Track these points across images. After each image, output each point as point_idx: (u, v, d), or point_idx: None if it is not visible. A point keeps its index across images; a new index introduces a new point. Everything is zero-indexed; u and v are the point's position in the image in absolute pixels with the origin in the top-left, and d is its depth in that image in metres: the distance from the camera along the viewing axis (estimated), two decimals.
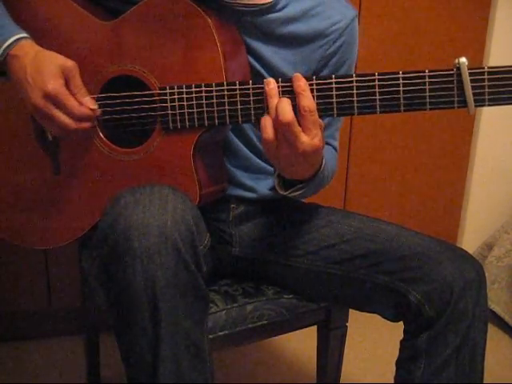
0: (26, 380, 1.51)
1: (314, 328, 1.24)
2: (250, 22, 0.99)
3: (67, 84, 0.91)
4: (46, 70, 0.89)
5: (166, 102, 0.93)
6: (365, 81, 0.85)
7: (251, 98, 0.90)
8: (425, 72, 0.83)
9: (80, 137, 0.96)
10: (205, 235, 0.93)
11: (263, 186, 1.10)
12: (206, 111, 0.92)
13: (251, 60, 1.01)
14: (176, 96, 0.93)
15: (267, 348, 1.69)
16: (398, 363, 1.00)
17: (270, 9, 0.99)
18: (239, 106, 0.90)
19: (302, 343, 1.66)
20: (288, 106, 0.82)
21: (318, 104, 0.86)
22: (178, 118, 0.93)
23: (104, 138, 0.99)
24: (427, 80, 0.83)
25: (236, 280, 1.14)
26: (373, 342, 1.71)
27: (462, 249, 1.00)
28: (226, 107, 0.91)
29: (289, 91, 0.85)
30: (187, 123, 0.93)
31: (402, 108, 0.85)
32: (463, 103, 0.82)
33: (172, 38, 0.93)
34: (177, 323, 0.81)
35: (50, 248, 1.08)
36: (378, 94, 0.85)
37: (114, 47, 0.96)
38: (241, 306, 1.07)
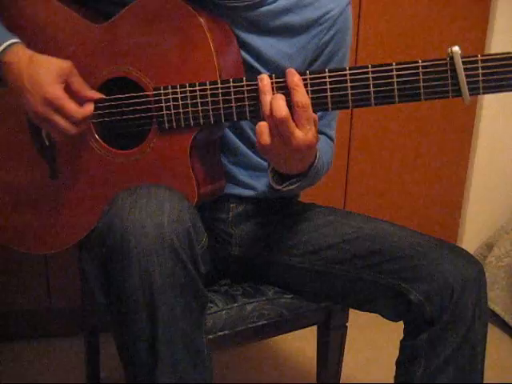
0: (26, 380, 1.51)
1: (314, 328, 1.24)
2: (243, 17, 0.99)
3: (68, 85, 0.91)
4: (43, 75, 0.89)
5: (161, 103, 0.93)
6: (358, 73, 0.85)
7: (245, 95, 0.90)
8: (418, 62, 0.83)
9: (77, 140, 0.97)
10: (202, 235, 0.93)
11: (262, 184, 1.10)
12: (201, 110, 0.92)
13: (246, 56, 1.01)
14: (170, 96, 0.93)
15: (267, 348, 1.69)
16: (398, 363, 1.00)
17: (262, 2, 0.99)
18: (234, 104, 0.90)
19: (302, 343, 1.66)
20: (282, 102, 0.82)
21: (312, 99, 0.86)
22: (174, 117, 0.93)
23: (100, 141, 0.99)
24: (421, 70, 0.83)
25: (236, 280, 1.14)
26: (373, 342, 1.71)
27: (462, 248, 1.00)
28: (221, 105, 0.91)
29: (282, 87, 0.85)
30: (183, 123, 0.93)
31: (397, 99, 0.85)
32: (457, 92, 0.82)
33: (165, 38, 0.93)
34: (174, 323, 0.81)
35: (50, 252, 1.08)
36: (372, 87, 0.84)
37: (107, 49, 0.96)
38: (241, 305, 1.07)
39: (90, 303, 1.28)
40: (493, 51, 1.80)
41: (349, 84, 0.85)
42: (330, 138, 1.15)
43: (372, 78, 0.84)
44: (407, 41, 1.74)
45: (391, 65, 0.84)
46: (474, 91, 0.82)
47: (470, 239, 2.00)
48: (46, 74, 0.89)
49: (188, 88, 0.92)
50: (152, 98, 0.94)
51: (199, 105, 0.92)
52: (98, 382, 1.41)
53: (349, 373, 1.50)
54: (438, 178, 1.92)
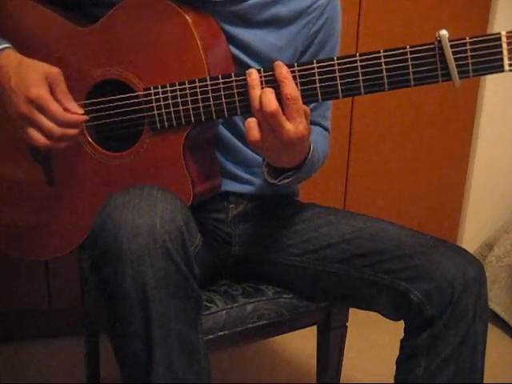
0: (26, 380, 1.51)
1: (314, 328, 1.23)
2: (231, 11, 0.99)
3: (52, 91, 0.90)
4: (30, 77, 0.88)
5: (152, 103, 0.93)
6: (346, 62, 0.85)
7: (235, 91, 0.90)
8: (406, 48, 0.83)
9: (69, 146, 0.96)
10: (196, 235, 0.93)
11: (260, 180, 1.10)
12: (192, 108, 0.92)
13: (236, 50, 1.00)
14: (161, 96, 0.93)
15: (267, 348, 1.68)
16: (399, 362, 1.00)
17: None
18: (224, 100, 0.90)
19: (301, 343, 1.66)
20: (271, 96, 0.82)
21: (301, 91, 0.86)
22: (165, 117, 0.93)
23: (94, 144, 0.99)
24: (409, 56, 0.83)
25: (236, 280, 1.14)
26: (373, 342, 1.71)
27: (462, 248, 1.00)
28: (211, 102, 0.91)
29: (272, 80, 0.85)
30: (174, 122, 0.93)
31: (387, 86, 0.84)
32: (447, 76, 0.82)
33: (152, 38, 0.93)
34: (168, 324, 0.81)
35: (49, 258, 1.08)
36: (361, 75, 0.84)
37: (96, 52, 0.96)
38: (241, 305, 1.07)
39: (89, 303, 1.28)
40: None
41: (337, 74, 0.85)
42: (326, 129, 1.15)
43: (360, 66, 0.84)
44: (407, 40, 1.72)
45: (379, 52, 0.84)
46: (464, 74, 0.81)
47: (470, 239, 2.00)
48: (34, 75, 0.88)
49: (178, 87, 0.92)
50: (143, 99, 0.94)
51: (190, 103, 0.92)
52: (98, 382, 1.41)
53: (349, 373, 1.50)
54: (438, 178, 1.92)
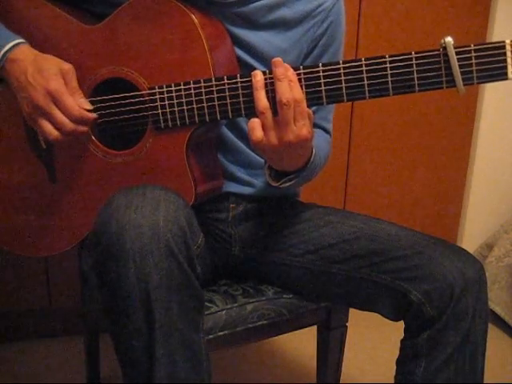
0: (26, 380, 1.51)
1: (314, 328, 1.23)
2: (236, 13, 0.99)
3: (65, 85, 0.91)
4: (47, 70, 0.89)
5: (156, 102, 0.94)
6: (352, 67, 0.85)
7: (240, 92, 0.90)
8: (411, 54, 0.83)
9: (74, 142, 0.97)
10: (198, 235, 0.93)
11: (261, 181, 1.10)
12: (196, 108, 0.92)
13: (241, 52, 1.01)
14: (165, 95, 0.93)
15: (267, 348, 1.68)
16: (399, 363, 1.00)
17: None
18: (228, 101, 0.91)
19: (302, 343, 1.66)
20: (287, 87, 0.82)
21: (306, 93, 0.86)
22: (169, 116, 0.94)
23: (97, 142, 0.99)
24: (414, 62, 0.83)
25: (236, 280, 1.14)
26: (373, 342, 1.71)
27: (462, 248, 1.00)
28: (216, 102, 0.91)
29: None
30: (178, 121, 0.93)
31: (391, 91, 0.85)
32: (451, 83, 0.82)
33: (158, 37, 0.93)
34: (171, 324, 0.81)
35: (50, 255, 1.08)
36: (366, 80, 0.85)
37: (101, 51, 0.96)
38: (241, 305, 1.07)
39: (89, 303, 1.28)
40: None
41: (343, 78, 0.85)
42: (327, 132, 1.15)
43: (366, 70, 0.84)
44: (407, 40, 1.74)
45: (385, 57, 0.84)
46: (468, 81, 0.82)
47: (470, 239, 2.00)
48: (51, 69, 0.90)
49: (183, 86, 0.92)
50: (147, 98, 0.94)
51: (194, 103, 0.92)
52: (98, 382, 1.41)
53: (349, 373, 1.50)
54: (438, 178, 1.92)
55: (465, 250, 0.99)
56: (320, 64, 0.86)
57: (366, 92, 0.85)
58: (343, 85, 0.85)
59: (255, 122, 0.84)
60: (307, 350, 1.62)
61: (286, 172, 0.93)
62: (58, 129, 0.91)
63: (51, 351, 1.63)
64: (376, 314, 1.04)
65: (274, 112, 0.84)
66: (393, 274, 0.97)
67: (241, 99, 0.90)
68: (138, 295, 0.79)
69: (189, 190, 0.95)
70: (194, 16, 0.91)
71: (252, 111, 0.89)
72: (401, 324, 1.00)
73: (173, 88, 0.92)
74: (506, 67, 0.80)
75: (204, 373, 0.86)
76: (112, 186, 0.97)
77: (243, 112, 0.91)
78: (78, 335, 1.59)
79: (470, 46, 0.81)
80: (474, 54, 0.81)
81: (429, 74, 0.83)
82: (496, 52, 0.80)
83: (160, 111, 0.94)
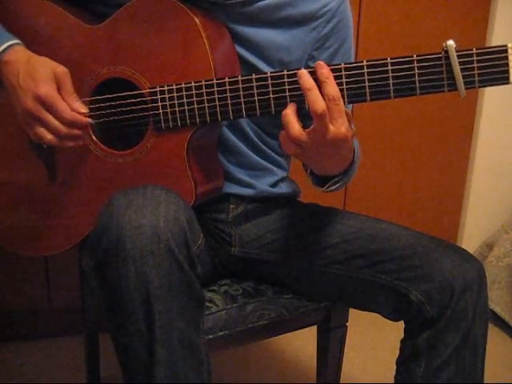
0: (26, 380, 1.51)
1: (314, 328, 1.23)
2: (240, 13, 0.99)
3: (58, 90, 0.90)
4: (39, 74, 0.88)
5: (157, 102, 0.94)
6: (353, 68, 0.84)
7: (241, 93, 0.90)
8: (413, 57, 0.83)
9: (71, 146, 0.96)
10: (199, 235, 0.93)
11: (261, 183, 1.10)
12: (197, 109, 0.92)
13: (244, 51, 1.00)
14: (166, 95, 0.93)
15: (267, 348, 1.68)
16: (399, 363, 1.00)
17: None
18: (229, 102, 0.91)
19: (302, 343, 1.66)
20: (320, 96, 0.79)
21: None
22: (170, 117, 0.93)
23: (98, 142, 0.99)
24: (416, 65, 0.83)
25: (236, 280, 1.14)
26: (373, 342, 1.71)
27: (462, 248, 1.00)
28: (217, 103, 0.91)
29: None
30: (179, 122, 0.93)
31: (392, 94, 0.84)
32: (453, 86, 0.82)
33: (160, 37, 0.93)
34: (171, 324, 0.81)
35: (50, 255, 1.08)
36: (367, 82, 0.84)
37: (103, 50, 0.96)
38: (241, 305, 1.07)
39: (89, 303, 1.28)
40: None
41: (344, 80, 0.85)
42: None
43: (367, 73, 0.84)
44: (407, 41, 1.74)
45: (386, 59, 0.83)
46: (470, 85, 0.82)
47: (470, 239, 2.00)
48: (43, 73, 0.88)
49: (184, 86, 0.92)
50: (148, 98, 0.94)
51: (195, 103, 0.92)
52: (98, 382, 1.41)
53: (349, 373, 1.50)
54: (438, 178, 1.92)
55: (465, 250, 0.99)
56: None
57: (367, 94, 0.85)
58: (344, 86, 0.85)
59: (284, 136, 0.81)
60: (307, 350, 1.62)
61: (328, 176, 0.92)
62: (52, 133, 0.90)
63: (51, 351, 1.63)
64: (376, 314, 1.04)
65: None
66: (393, 274, 0.97)
67: (242, 100, 0.90)
68: (138, 295, 0.79)
69: (189, 191, 0.95)
70: (195, 16, 0.91)
71: (253, 112, 0.89)
72: (401, 324, 1.00)
73: (174, 87, 0.92)
74: (507, 71, 0.80)
75: (204, 373, 0.86)
76: (112, 186, 0.97)
77: (244, 113, 0.91)
78: (78, 335, 1.59)
79: (471, 50, 0.81)
80: (475, 58, 0.80)
81: (430, 77, 0.83)
82: (498, 56, 0.80)
83: (161, 111, 0.94)
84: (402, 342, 1.00)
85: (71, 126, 0.90)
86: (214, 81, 0.90)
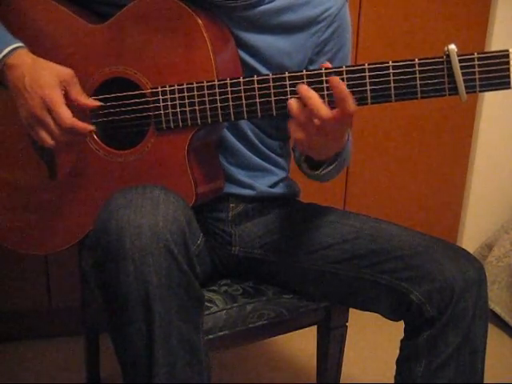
0: (26, 380, 1.51)
1: (314, 328, 1.24)
2: (242, 16, 0.99)
3: (67, 92, 0.91)
4: (44, 78, 0.89)
5: (159, 102, 0.94)
6: (355, 71, 0.85)
7: (242, 94, 0.90)
8: (414, 60, 0.83)
9: (73, 147, 0.97)
10: (198, 235, 0.93)
11: (261, 183, 1.10)
12: (199, 110, 0.92)
13: (245, 55, 1.01)
14: (168, 96, 0.93)
15: (267, 348, 1.68)
16: (399, 362, 1.00)
17: (260, 1, 0.99)
18: (231, 103, 0.91)
19: (302, 343, 1.66)
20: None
21: None
22: (171, 117, 0.94)
23: (99, 141, 0.99)
24: (417, 68, 0.83)
25: (236, 280, 1.14)
26: (373, 342, 1.71)
27: (462, 248, 1.00)
28: (218, 104, 0.91)
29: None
30: (180, 122, 0.94)
31: (393, 98, 0.85)
32: (454, 90, 0.82)
33: (163, 38, 0.93)
34: (170, 323, 0.81)
35: (49, 253, 1.08)
36: (368, 85, 0.85)
37: (106, 50, 0.97)
38: (241, 305, 1.07)
39: (89, 303, 1.29)
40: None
41: (345, 82, 0.85)
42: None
43: (369, 76, 0.84)
44: (407, 41, 1.74)
45: (388, 63, 0.84)
46: (471, 89, 0.82)
47: (470, 239, 2.00)
48: (48, 77, 0.90)
49: (185, 87, 0.92)
50: (150, 98, 0.94)
51: (196, 105, 0.92)
52: (98, 381, 1.41)
53: (349, 373, 1.50)
54: (438, 178, 1.92)
55: (465, 250, 0.99)
56: (323, 68, 0.86)
57: (369, 98, 0.85)
58: None
59: (293, 123, 0.82)
60: (307, 350, 1.61)
61: (322, 163, 0.93)
62: (52, 138, 0.91)
63: (51, 351, 1.63)
64: (376, 314, 1.04)
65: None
66: (393, 274, 0.97)
67: (243, 101, 0.90)
68: (137, 295, 0.79)
69: (189, 191, 0.95)
70: (198, 17, 0.91)
71: (254, 114, 0.90)
72: (401, 324, 1.00)
73: (176, 88, 0.92)
74: (509, 76, 0.80)
75: (204, 373, 0.86)
76: (113, 186, 0.97)
77: (245, 114, 0.91)
78: (78, 335, 1.59)
79: (473, 54, 0.81)
80: (477, 63, 0.81)
81: (431, 81, 0.83)
82: (499, 61, 0.80)
83: (162, 112, 0.94)
84: (402, 341, 1.00)
85: (70, 133, 0.91)
86: (216, 82, 0.90)
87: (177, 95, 0.93)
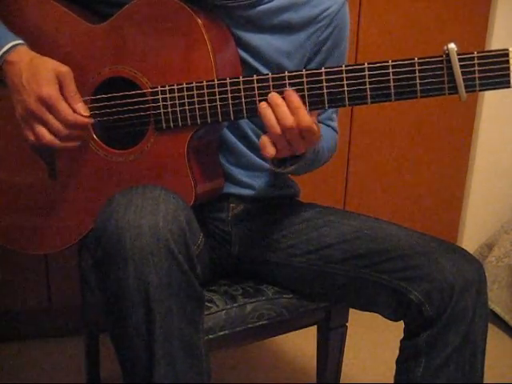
0: (26, 380, 1.51)
1: (314, 328, 1.24)
2: (241, 16, 0.99)
3: (61, 89, 0.90)
4: (41, 74, 0.89)
5: (158, 102, 0.94)
6: (355, 70, 0.85)
7: (242, 94, 0.90)
8: (414, 59, 0.83)
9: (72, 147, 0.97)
10: (198, 235, 0.93)
11: (261, 183, 1.10)
12: (198, 109, 0.92)
13: (245, 54, 1.01)
14: (168, 95, 0.93)
15: (267, 348, 1.68)
16: (398, 363, 1.00)
17: (260, 1, 0.99)
18: (230, 102, 0.91)
19: (302, 343, 1.66)
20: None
21: (308, 97, 0.86)
22: (171, 117, 0.94)
23: (98, 141, 0.99)
24: (417, 68, 0.83)
25: (236, 280, 1.14)
26: (373, 342, 1.71)
27: (462, 248, 1.00)
28: (218, 103, 0.91)
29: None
30: (180, 122, 0.94)
31: (393, 97, 0.85)
32: (454, 89, 0.82)
33: (162, 38, 0.93)
34: (171, 323, 0.81)
35: (48, 253, 1.08)
36: (368, 84, 0.85)
37: (105, 49, 0.97)
38: (241, 305, 1.07)
39: (90, 303, 1.28)
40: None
41: (345, 82, 0.85)
42: (334, 129, 1.16)
43: (368, 75, 0.84)
44: (407, 41, 1.74)
45: (387, 62, 0.84)
46: (471, 88, 0.82)
47: (470, 239, 2.00)
48: (44, 73, 0.89)
49: (185, 87, 0.92)
50: (149, 98, 0.94)
51: (196, 104, 0.92)
52: (98, 382, 1.41)
53: (349, 373, 1.51)
54: (438, 178, 1.92)
55: (465, 251, 0.99)
56: (323, 68, 0.86)
57: (368, 97, 0.85)
58: (345, 89, 0.85)
59: (266, 139, 0.86)
60: (307, 350, 1.62)
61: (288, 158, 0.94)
62: (53, 134, 0.90)
63: (51, 351, 1.63)
64: (376, 314, 1.04)
65: None
66: (393, 274, 0.97)
67: (243, 100, 0.90)
68: (137, 295, 0.79)
69: (189, 191, 0.95)
70: (198, 17, 0.91)
71: (254, 113, 0.90)
72: (401, 324, 1.00)
73: (175, 87, 0.92)
74: (508, 75, 0.80)
75: (204, 373, 0.86)
76: (112, 185, 0.97)
77: (245, 114, 0.91)
78: (78, 335, 1.59)
79: (473, 53, 0.81)
80: (476, 62, 0.80)
81: (431, 80, 0.83)
82: (499, 60, 0.80)
83: (162, 111, 0.94)
84: (402, 341, 1.00)
85: (72, 128, 0.90)
86: (216, 81, 0.91)
87: (176, 95, 0.93)
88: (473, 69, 0.81)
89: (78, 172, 1.01)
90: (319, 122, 0.98)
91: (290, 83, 0.87)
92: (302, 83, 0.86)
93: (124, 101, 0.96)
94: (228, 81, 0.90)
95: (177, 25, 0.92)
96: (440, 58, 0.82)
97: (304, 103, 0.86)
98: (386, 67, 0.84)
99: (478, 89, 0.82)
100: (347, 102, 0.86)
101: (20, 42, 0.92)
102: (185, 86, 0.92)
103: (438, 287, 0.92)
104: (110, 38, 0.96)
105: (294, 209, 1.14)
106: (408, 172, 1.89)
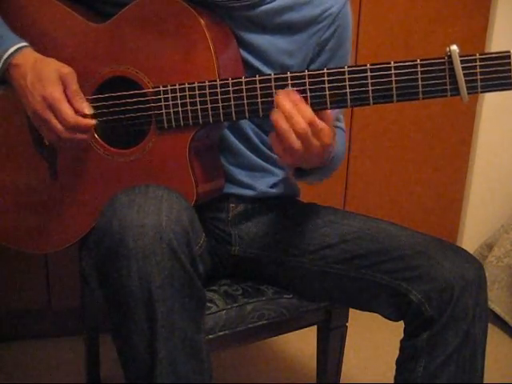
0: (26, 380, 1.51)
1: (314, 328, 1.24)
2: (244, 16, 0.99)
3: (64, 90, 0.91)
4: (45, 76, 0.90)
5: (160, 102, 0.94)
6: (357, 71, 0.85)
7: (244, 94, 0.90)
8: (416, 61, 0.83)
9: (76, 147, 0.97)
10: (200, 235, 0.93)
11: (261, 184, 1.10)
12: (200, 109, 0.92)
13: (247, 54, 1.01)
14: (170, 95, 0.93)
15: (267, 348, 1.69)
16: (398, 363, 1.00)
17: (262, 1, 0.99)
18: (233, 103, 0.91)
19: (301, 343, 1.66)
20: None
21: (310, 98, 0.86)
22: (173, 117, 0.94)
23: (100, 140, 0.99)
24: (419, 69, 0.83)
25: (236, 280, 1.14)
26: (373, 342, 1.71)
27: (462, 248, 1.00)
28: (220, 104, 0.91)
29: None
30: (182, 122, 0.94)
31: (395, 98, 0.85)
32: (456, 91, 0.82)
33: (164, 38, 0.93)
34: (173, 323, 0.81)
35: (49, 252, 1.08)
36: (370, 85, 0.85)
37: (107, 49, 0.97)
38: (241, 305, 1.07)
39: (89, 303, 1.29)
40: (493, 51, 1.80)
41: (347, 83, 0.85)
42: (343, 130, 1.17)
43: (370, 76, 0.84)
44: (407, 41, 1.74)
45: (389, 63, 0.84)
46: (473, 90, 0.82)
47: (470, 239, 2.00)
48: (48, 73, 0.90)
49: (187, 87, 0.92)
50: (151, 97, 0.94)
51: (198, 104, 0.92)
52: (98, 382, 1.41)
53: (349, 373, 1.50)
54: (438, 178, 1.92)
55: (465, 250, 0.99)
56: (325, 68, 0.86)
57: (370, 98, 0.85)
58: (347, 90, 0.85)
59: (274, 139, 0.86)
60: (307, 350, 1.62)
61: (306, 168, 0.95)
62: (54, 135, 0.92)
63: (51, 351, 1.63)
64: (376, 314, 1.04)
65: None
66: (393, 274, 0.97)
67: (245, 101, 0.90)
68: (140, 295, 0.79)
69: (190, 191, 0.95)
70: (201, 18, 0.91)
71: (256, 114, 0.90)
72: (401, 324, 1.00)
73: (177, 87, 0.92)
74: (510, 77, 0.80)
75: (205, 372, 0.86)
76: (114, 185, 0.97)
77: (247, 114, 0.91)
78: (78, 335, 1.59)
79: (475, 55, 0.81)
80: (478, 64, 0.81)
81: (433, 81, 0.83)
82: (501, 62, 0.80)
83: (164, 111, 0.94)
84: (402, 341, 1.00)
85: (74, 130, 0.91)
86: (218, 82, 0.90)
87: (178, 94, 0.93)
88: (475, 71, 0.81)
89: (79, 172, 1.01)
90: None
91: (292, 84, 0.87)
92: (304, 84, 0.86)
93: (126, 100, 0.96)
94: (230, 81, 0.90)
95: (179, 25, 0.92)
96: (442, 60, 0.82)
97: (306, 104, 0.86)
98: (389, 68, 0.84)
99: (479, 90, 0.82)
100: (349, 103, 0.86)
101: (24, 44, 0.93)
102: (187, 85, 0.92)
103: (438, 287, 0.93)
104: (112, 37, 0.96)
105: (294, 209, 1.14)
106: (408, 172, 1.89)
